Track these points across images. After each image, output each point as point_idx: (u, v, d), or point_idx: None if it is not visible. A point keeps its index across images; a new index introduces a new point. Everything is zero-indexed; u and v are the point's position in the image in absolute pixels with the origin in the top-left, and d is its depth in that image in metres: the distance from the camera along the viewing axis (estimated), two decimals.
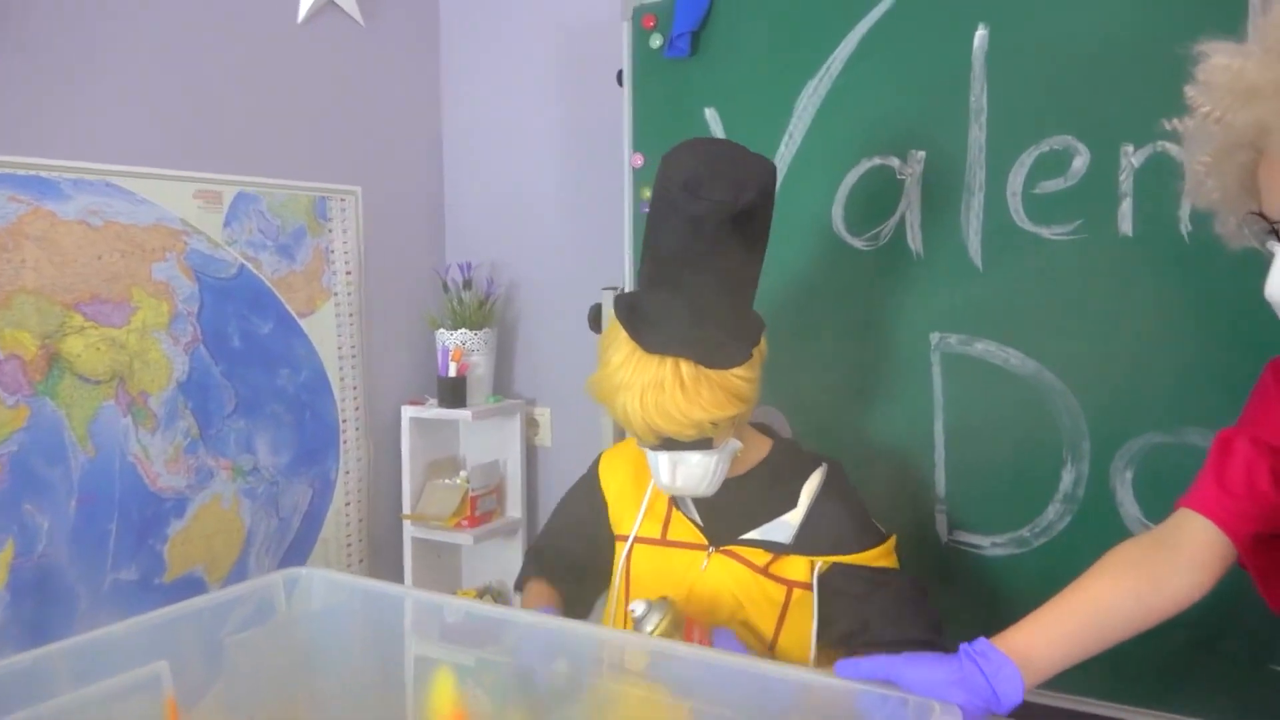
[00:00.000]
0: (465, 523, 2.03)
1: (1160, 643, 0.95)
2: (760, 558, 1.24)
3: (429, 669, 1.20)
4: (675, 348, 1.15)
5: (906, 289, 1.50)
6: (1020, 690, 0.86)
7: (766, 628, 1.23)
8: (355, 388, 2.03)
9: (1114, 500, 1.37)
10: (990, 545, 1.46)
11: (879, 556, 1.23)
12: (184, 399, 1.71)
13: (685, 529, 1.29)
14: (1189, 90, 0.88)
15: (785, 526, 1.24)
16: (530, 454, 2.17)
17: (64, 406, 1.54)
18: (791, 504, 1.25)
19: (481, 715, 1.17)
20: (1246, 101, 0.84)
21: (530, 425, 2.16)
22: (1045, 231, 1.39)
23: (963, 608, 1.49)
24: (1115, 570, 0.94)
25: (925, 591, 1.23)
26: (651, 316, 1.17)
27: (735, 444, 1.23)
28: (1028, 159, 1.40)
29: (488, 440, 2.16)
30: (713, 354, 1.16)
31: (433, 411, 2.04)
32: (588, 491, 1.40)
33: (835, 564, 1.21)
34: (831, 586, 1.21)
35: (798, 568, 1.23)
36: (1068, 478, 1.40)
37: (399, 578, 2.09)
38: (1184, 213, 1.31)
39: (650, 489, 1.31)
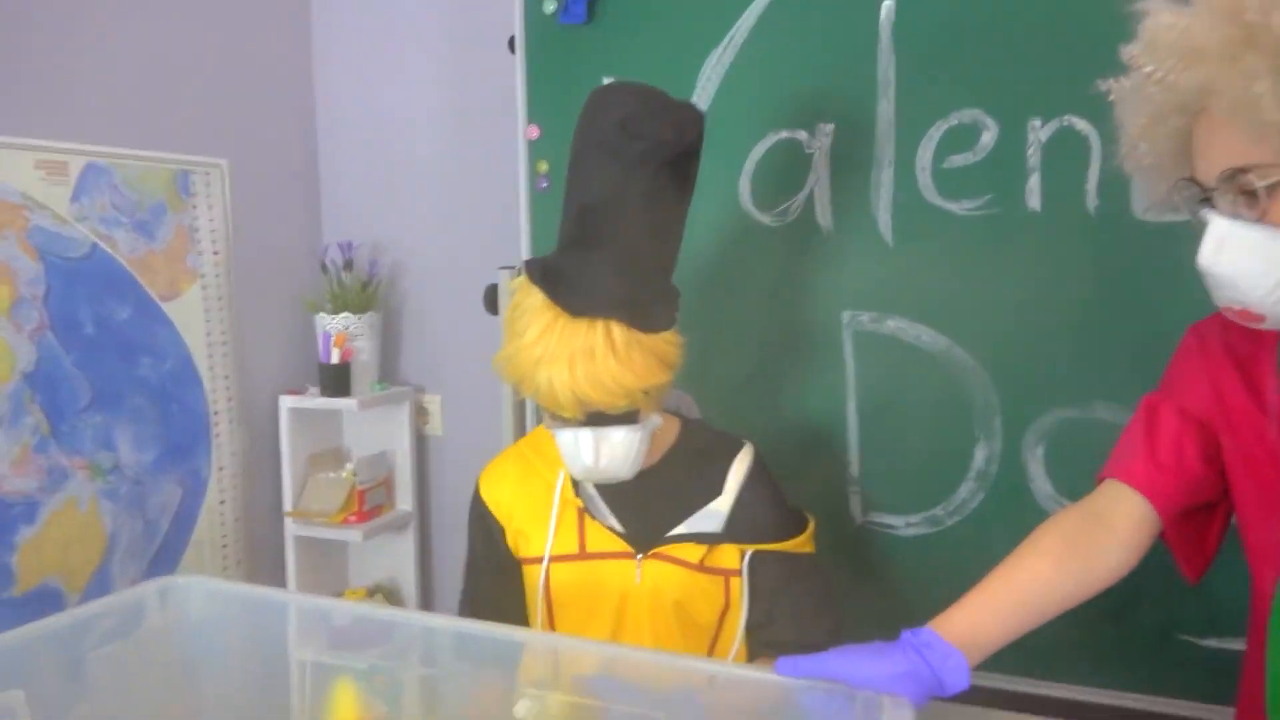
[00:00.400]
0: (353, 518, 1.91)
1: (1070, 615, 0.95)
2: (694, 553, 1.18)
3: (323, 678, 1.09)
4: (606, 309, 1.07)
5: (817, 266, 1.46)
6: (967, 677, 0.83)
7: (709, 623, 1.18)
8: (227, 377, 1.88)
9: (1026, 477, 1.38)
10: (905, 525, 1.45)
11: (801, 544, 1.20)
12: (30, 392, 1.54)
13: (604, 538, 1.20)
14: (1130, 49, 0.86)
15: (714, 515, 1.18)
16: (421, 443, 2.06)
17: None
18: (717, 490, 1.19)
19: None
20: (1191, 63, 0.82)
21: (420, 413, 2.06)
22: (955, 207, 1.38)
23: (879, 590, 1.47)
24: (1053, 548, 0.92)
25: (832, 592, 1.21)
26: (574, 278, 1.09)
27: (656, 420, 1.17)
28: (936, 133, 1.38)
29: (375, 430, 2.04)
30: (645, 315, 1.09)
31: (314, 401, 1.91)
32: (479, 524, 1.29)
33: (756, 551, 1.18)
34: (750, 571, 1.18)
35: (731, 556, 1.18)
36: (980, 455, 1.40)
37: (281, 580, 1.96)
38: (1091, 186, 1.31)
39: (557, 498, 1.22)
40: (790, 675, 0.85)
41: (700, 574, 1.17)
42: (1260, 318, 0.84)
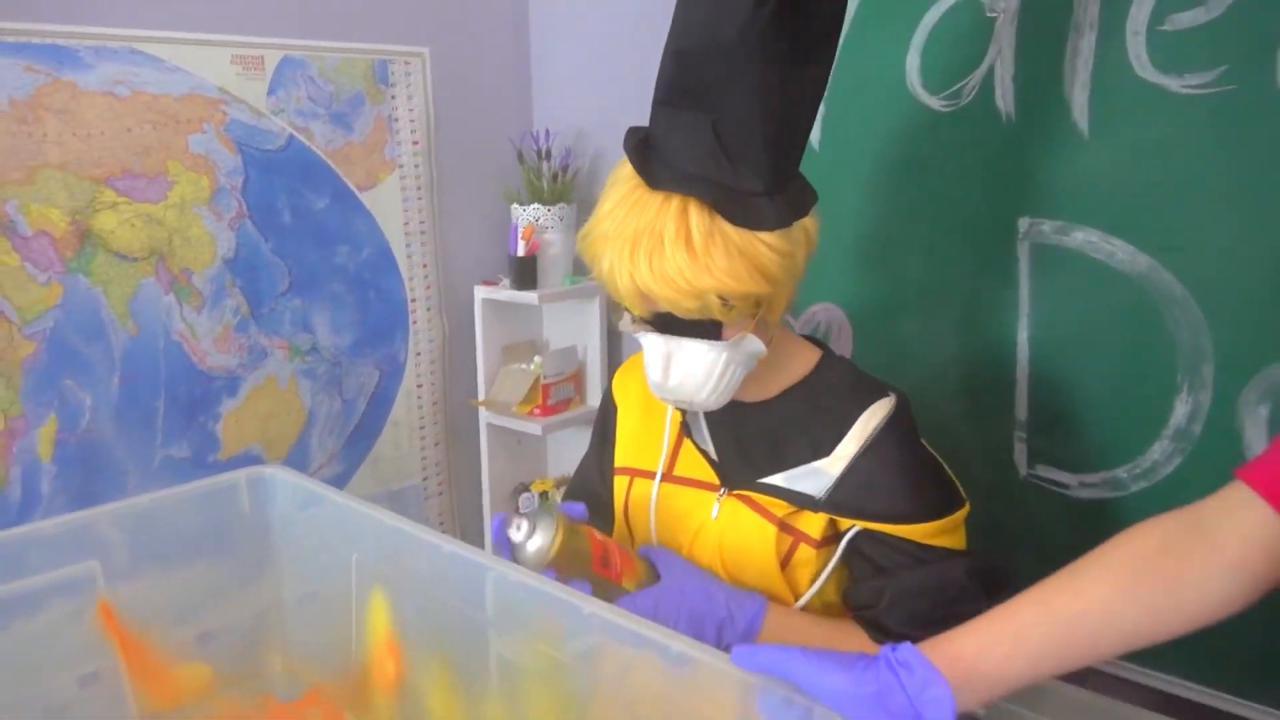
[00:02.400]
0: (536, 411, 1.92)
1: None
2: (780, 508, 1.00)
3: (367, 590, 1.10)
4: (685, 183, 0.89)
5: (991, 162, 1.19)
6: (951, 713, 0.64)
7: (768, 572, 1.01)
8: (425, 265, 1.94)
9: (1241, 442, 1.06)
10: (1079, 485, 1.18)
11: (933, 533, 0.96)
12: (231, 276, 1.67)
13: (695, 463, 1.06)
14: None
15: (820, 476, 0.98)
16: (612, 339, 2.01)
17: (100, 284, 1.53)
18: (832, 446, 0.98)
19: (410, 644, 1.07)
20: None
21: (613, 308, 2.00)
22: (1175, 83, 1.05)
23: (1040, 558, 1.22)
24: (1121, 569, 0.68)
25: (983, 588, 0.95)
26: (665, 141, 0.91)
27: (755, 344, 0.96)
28: None
29: (567, 324, 2.02)
30: (739, 201, 0.89)
31: (505, 294, 1.91)
32: (602, 415, 1.20)
33: (865, 530, 0.97)
34: (858, 549, 0.98)
35: (814, 522, 0.99)
36: (1182, 410, 1.09)
37: (477, 464, 2.03)
38: None
39: (669, 416, 1.09)
40: (746, 669, 0.70)
41: (778, 531, 0.99)
42: None
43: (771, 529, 0.98)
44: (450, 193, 1.96)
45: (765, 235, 0.89)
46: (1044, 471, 1.21)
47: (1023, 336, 1.20)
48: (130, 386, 1.58)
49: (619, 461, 1.15)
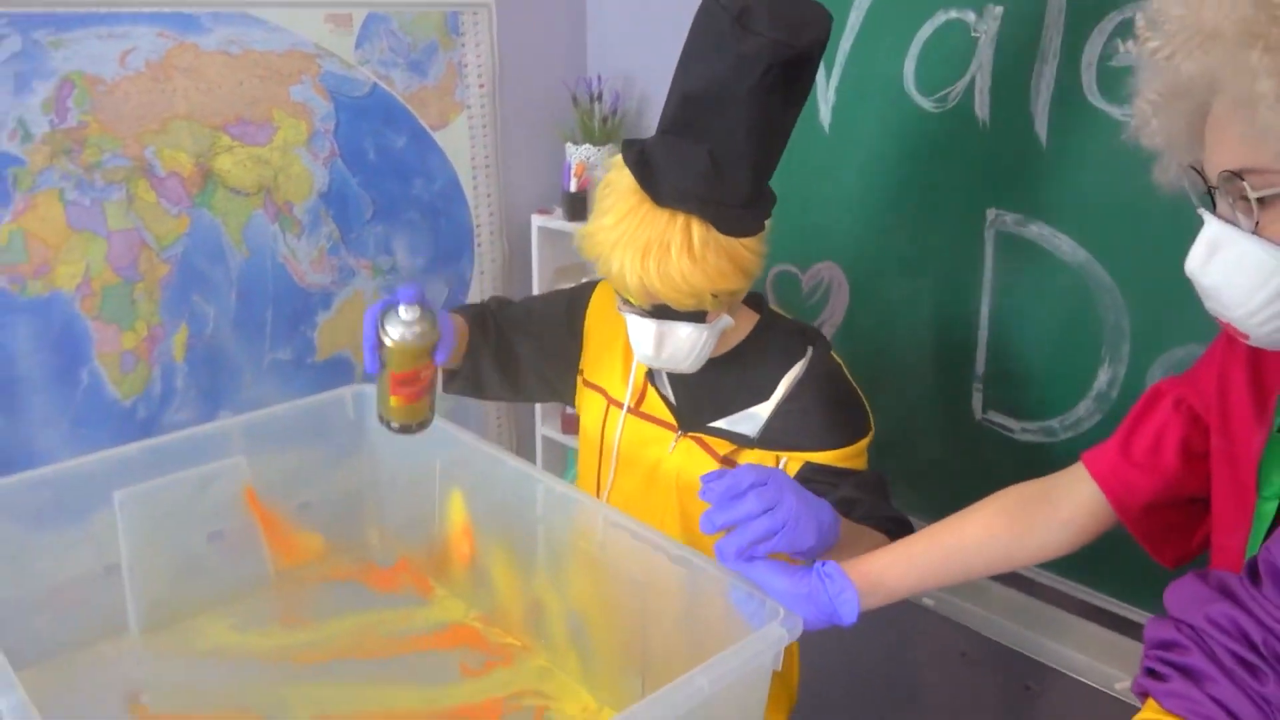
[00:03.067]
0: None
1: None
2: (723, 448, 1.23)
3: (448, 489, 1.41)
4: (690, 204, 1.08)
5: (969, 159, 1.41)
6: (856, 611, 0.93)
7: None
8: (489, 195, 2.19)
9: None
10: (1020, 430, 1.45)
11: (845, 458, 1.19)
12: (325, 207, 1.95)
13: (657, 405, 1.29)
14: (1138, 18, 0.79)
15: (753, 419, 1.21)
16: None
17: (219, 215, 1.81)
18: (765, 395, 1.21)
19: (480, 532, 1.38)
20: (1197, 46, 0.75)
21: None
22: (1117, 111, 1.26)
23: (986, 482, 1.49)
24: (991, 517, 0.96)
25: (888, 485, 1.22)
26: (665, 166, 1.08)
27: (726, 320, 1.19)
28: (1109, 25, 1.24)
29: None
30: (730, 217, 1.09)
31: (558, 223, 2.17)
32: (571, 305, 1.36)
33: (806, 462, 1.19)
34: (801, 478, 1.18)
35: (753, 459, 1.21)
36: (1103, 377, 1.34)
37: None
38: None
39: (635, 362, 1.29)
40: (721, 562, 0.98)
41: (723, 465, 1.22)
42: (1244, 335, 0.79)
43: (714, 464, 1.22)
44: (511, 132, 2.20)
45: (747, 240, 1.12)
46: (995, 416, 1.47)
47: (985, 305, 1.44)
48: (244, 301, 1.88)
49: (589, 376, 1.36)
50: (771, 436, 1.21)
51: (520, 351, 1.38)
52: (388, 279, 2.07)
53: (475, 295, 2.23)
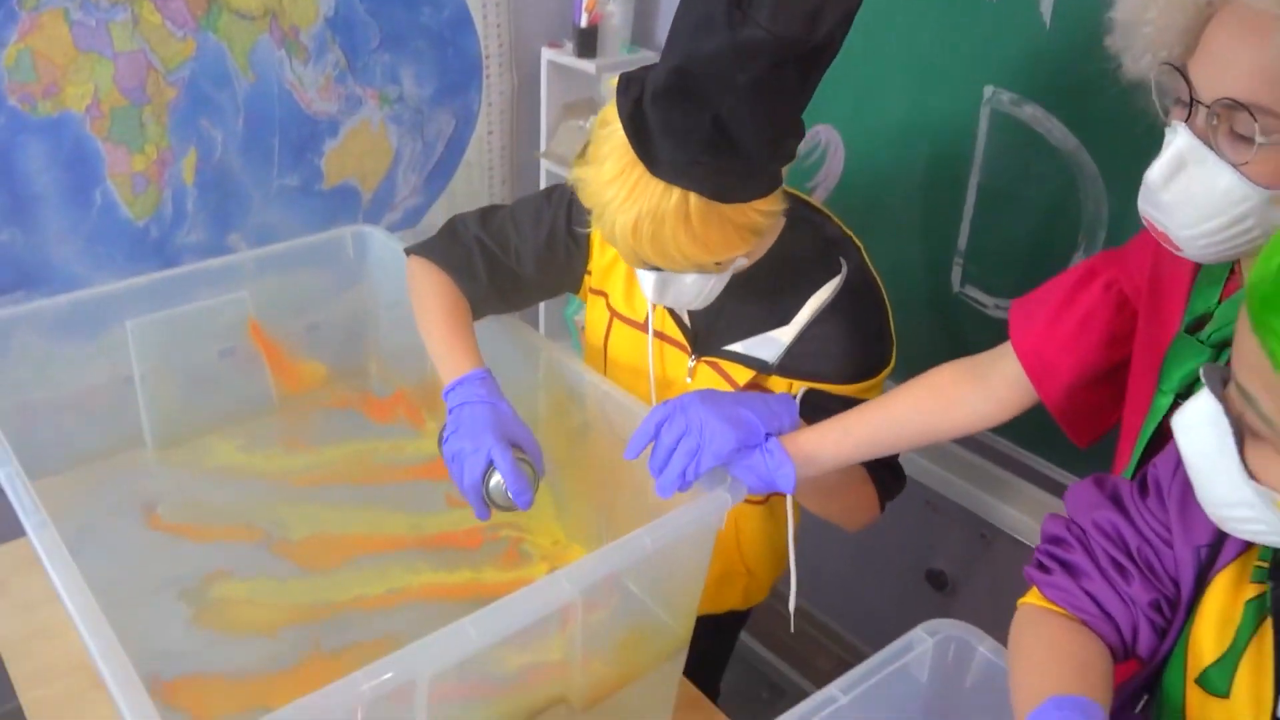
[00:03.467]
0: None
1: None
2: (741, 375, 1.15)
3: None
4: (688, 179, 0.93)
5: (972, 33, 1.39)
6: (792, 484, 1.01)
7: None
8: (499, 26, 2.16)
9: None
10: (993, 306, 1.49)
11: (860, 391, 1.12)
12: (331, 33, 1.93)
13: (670, 326, 1.20)
14: None
15: (774, 344, 1.12)
16: None
17: (225, 39, 1.81)
18: (787, 318, 1.11)
19: None
20: None
21: None
22: None
23: (957, 350, 1.55)
24: (921, 391, 1.04)
25: None
26: (663, 133, 0.92)
27: (741, 261, 1.06)
28: None
29: None
30: (734, 187, 0.95)
31: (567, 58, 2.14)
32: (573, 208, 1.20)
33: (813, 389, 1.12)
34: (810, 404, 1.12)
35: (776, 386, 1.15)
36: (1077, 261, 1.37)
37: None
38: None
39: None
40: (666, 497, 1.02)
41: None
42: (1177, 248, 0.82)
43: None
44: None
45: (759, 201, 0.97)
46: (971, 291, 1.51)
47: (973, 181, 1.46)
48: (251, 126, 1.90)
49: (595, 283, 1.26)
50: (792, 364, 1.13)
51: (521, 280, 1.25)
52: (394, 109, 2.08)
53: (483, 127, 2.23)
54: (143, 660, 1.09)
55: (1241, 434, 0.58)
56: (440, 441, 1.09)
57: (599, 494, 1.28)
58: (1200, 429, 0.60)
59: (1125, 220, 1.31)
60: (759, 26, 0.86)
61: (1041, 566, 0.81)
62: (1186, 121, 0.77)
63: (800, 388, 1.13)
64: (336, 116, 2.01)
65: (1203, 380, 0.60)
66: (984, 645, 0.85)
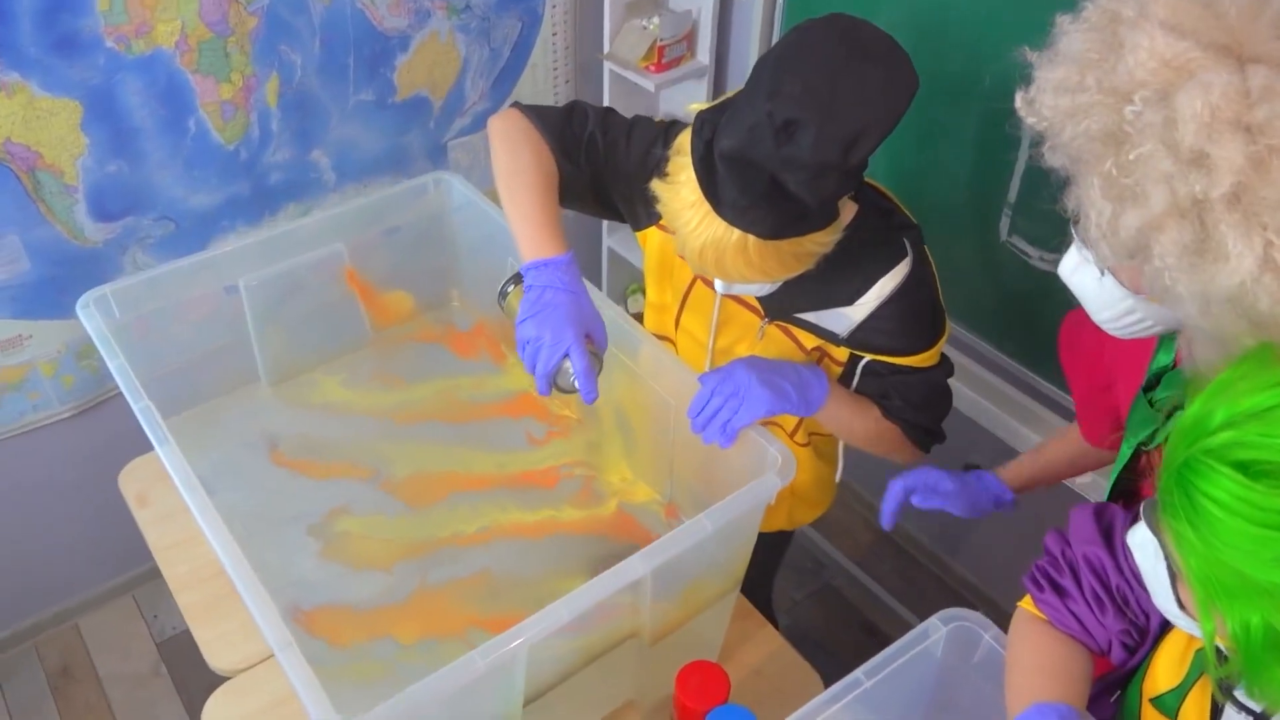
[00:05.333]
0: (651, 68, 2.25)
1: None
2: (809, 340, 1.25)
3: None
4: (745, 223, 1.03)
5: None
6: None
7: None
8: None
9: None
10: (1038, 258, 1.57)
11: (923, 360, 1.24)
12: None
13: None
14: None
15: (844, 319, 1.21)
16: (724, 2, 2.25)
17: None
18: (858, 296, 1.20)
19: None
20: (1065, 125, 0.80)
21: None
22: None
23: (1000, 295, 1.65)
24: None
25: (946, 387, 1.30)
26: (727, 180, 1.02)
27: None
28: None
29: None
30: (790, 226, 1.04)
31: None
32: (658, 131, 1.25)
33: (875, 359, 1.24)
34: (868, 370, 1.26)
35: (839, 353, 1.27)
36: None
37: (599, 101, 2.40)
38: None
39: None
40: (710, 440, 1.20)
41: (808, 356, 1.27)
42: (1100, 326, 0.93)
43: (801, 356, 1.27)
44: None
45: (816, 235, 1.06)
46: (1017, 241, 1.59)
47: (1026, 135, 1.50)
48: (328, 47, 1.97)
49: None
50: (860, 338, 1.23)
51: (613, 192, 1.32)
52: (462, 18, 2.12)
53: (548, 29, 2.26)
54: (282, 589, 1.33)
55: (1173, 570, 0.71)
56: (516, 320, 1.13)
57: (661, 437, 1.44)
58: (1141, 552, 0.73)
59: None
60: (800, 148, 0.97)
61: (1036, 582, 0.96)
62: (1075, 228, 0.86)
63: (864, 358, 1.25)
64: (407, 31, 2.06)
65: (1142, 515, 0.73)
66: (989, 633, 1.01)
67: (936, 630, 1.02)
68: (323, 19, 1.93)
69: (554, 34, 2.28)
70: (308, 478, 1.48)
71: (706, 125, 1.05)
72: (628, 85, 2.37)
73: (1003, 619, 0.99)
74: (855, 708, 0.96)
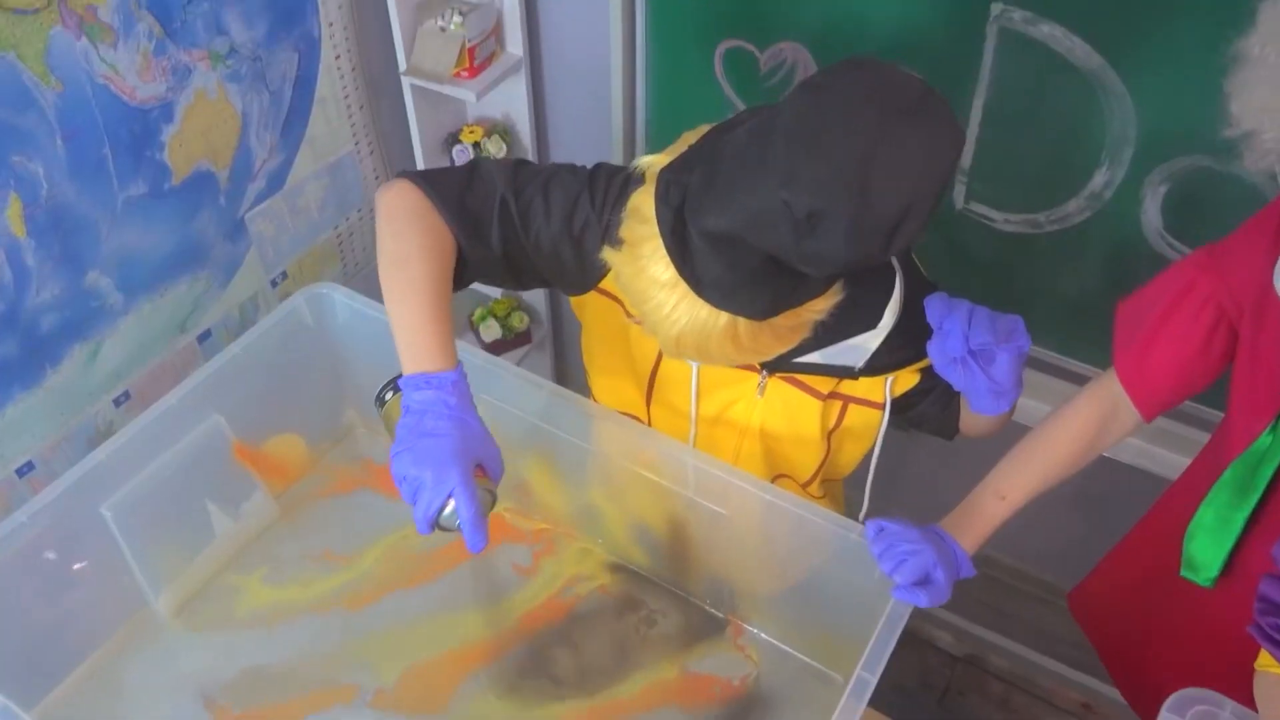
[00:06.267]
0: (465, 74, 1.92)
1: None
2: (824, 384, 1.10)
3: None
4: (736, 305, 0.88)
5: None
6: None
7: (809, 463, 1.18)
8: None
9: (1140, 208, 1.34)
10: (1003, 221, 1.46)
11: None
12: None
13: None
14: None
15: (858, 350, 1.06)
16: None
17: (9, 47, 1.39)
18: (872, 323, 1.05)
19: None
20: None
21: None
22: None
23: (965, 265, 1.53)
24: (1065, 441, 1.07)
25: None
26: (709, 259, 0.86)
27: None
28: None
29: None
30: (785, 299, 0.89)
31: None
32: (609, 231, 1.01)
33: (910, 388, 1.12)
34: (903, 404, 1.13)
35: (856, 389, 1.11)
36: (1099, 179, 1.34)
37: (404, 126, 2.05)
38: None
39: None
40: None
41: (825, 403, 1.11)
42: None
43: (817, 404, 1.11)
44: None
45: (814, 301, 0.91)
46: (976, 208, 1.46)
47: (978, 101, 1.36)
48: (75, 143, 1.51)
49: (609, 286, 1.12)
50: (878, 364, 1.09)
51: (532, 267, 1.09)
52: (229, 65, 1.70)
53: (329, 53, 1.87)
54: None
55: None
56: (391, 449, 0.93)
57: (708, 546, 1.22)
58: None
59: (1157, 138, 1.27)
60: (829, 245, 0.80)
61: (1267, 635, 0.85)
62: None
63: (889, 378, 1.10)
64: (167, 97, 1.62)
65: None
66: (1226, 710, 0.89)
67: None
68: (59, 110, 1.47)
69: (337, 58, 1.90)
70: None
71: (673, 189, 0.87)
72: (437, 100, 2.03)
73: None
74: None
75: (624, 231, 0.92)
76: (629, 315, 1.08)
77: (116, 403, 1.71)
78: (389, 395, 1.03)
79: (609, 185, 1.03)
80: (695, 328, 0.89)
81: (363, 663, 1.21)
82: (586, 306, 1.15)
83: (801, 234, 0.79)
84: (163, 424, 1.16)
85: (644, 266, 0.89)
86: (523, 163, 1.08)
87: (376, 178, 2.11)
